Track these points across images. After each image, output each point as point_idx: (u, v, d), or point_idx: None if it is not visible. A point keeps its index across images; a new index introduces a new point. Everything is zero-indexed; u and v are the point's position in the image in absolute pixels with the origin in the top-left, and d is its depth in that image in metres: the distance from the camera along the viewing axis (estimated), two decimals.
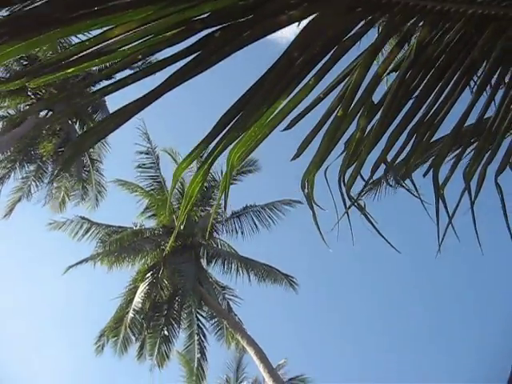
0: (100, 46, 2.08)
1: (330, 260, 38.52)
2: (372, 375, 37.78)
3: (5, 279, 38.40)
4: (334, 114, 2.64)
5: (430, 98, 2.74)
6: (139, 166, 22.99)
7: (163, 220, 23.00)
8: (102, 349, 21.40)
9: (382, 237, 2.89)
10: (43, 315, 40.30)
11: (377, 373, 37.17)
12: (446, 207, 3.18)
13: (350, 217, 2.88)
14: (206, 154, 2.52)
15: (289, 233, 33.05)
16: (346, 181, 2.89)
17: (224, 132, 2.43)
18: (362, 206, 2.90)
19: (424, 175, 3.20)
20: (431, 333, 37.48)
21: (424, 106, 2.77)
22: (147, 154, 22.78)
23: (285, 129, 2.68)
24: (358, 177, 2.93)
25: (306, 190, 2.83)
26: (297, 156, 2.77)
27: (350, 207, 2.86)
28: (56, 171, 22.75)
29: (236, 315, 22.23)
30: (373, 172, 2.94)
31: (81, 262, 20.85)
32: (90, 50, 2.09)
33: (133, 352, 21.62)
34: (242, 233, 22.63)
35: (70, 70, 2.13)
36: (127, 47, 2.12)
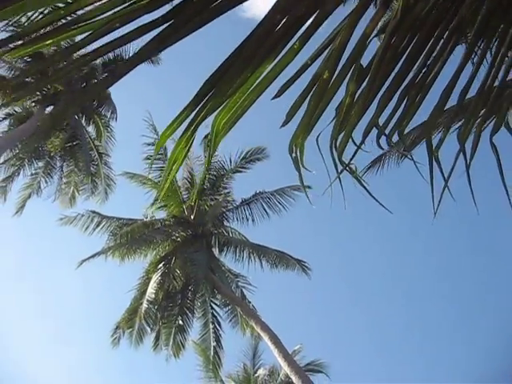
0: (76, 15, 2.04)
1: (343, 243, 38.56)
2: (387, 357, 37.91)
3: (18, 277, 38.61)
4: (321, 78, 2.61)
5: (420, 59, 2.70)
6: (147, 158, 22.97)
7: (173, 210, 23.02)
8: (119, 341, 21.49)
9: (374, 199, 2.92)
10: (59, 312, 40.59)
11: (392, 355, 37.28)
12: (441, 170, 3.15)
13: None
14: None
15: (300, 218, 33.10)
16: (337, 146, 2.90)
17: (207, 98, 2.41)
18: (354, 169, 2.91)
19: (419, 140, 3.17)
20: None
21: (414, 68, 2.74)
22: (154, 145, 22.73)
23: (274, 97, 2.67)
24: (350, 142, 2.93)
25: (293, 154, 2.84)
26: (286, 123, 2.77)
27: (341, 171, 2.88)
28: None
29: (250, 302, 22.25)
30: (364, 136, 2.95)
31: (93, 256, 20.91)
32: (67, 19, 2.04)
33: (148, 343, 21.74)
34: (253, 220, 22.61)
35: (48, 42, 2.09)
36: (104, 15, 2.08)
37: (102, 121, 25.19)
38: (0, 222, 34.65)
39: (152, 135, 22.11)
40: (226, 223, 23.17)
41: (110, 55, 24.28)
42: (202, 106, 2.42)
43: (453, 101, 3.22)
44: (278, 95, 2.67)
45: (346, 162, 2.93)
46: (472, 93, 3.03)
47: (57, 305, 40.97)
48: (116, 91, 23.80)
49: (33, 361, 35.60)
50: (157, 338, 21.84)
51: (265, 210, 22.46)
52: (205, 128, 2.54)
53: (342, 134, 2.87)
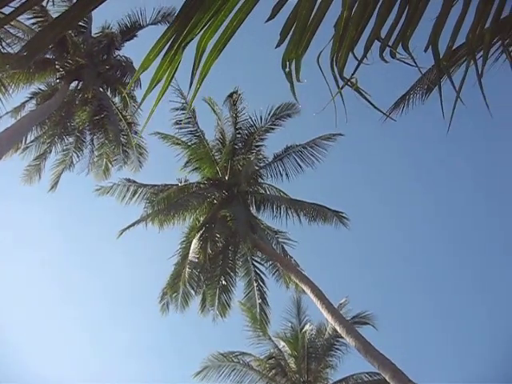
0: None
1: (380, 188, 38.22)
2: (429, 306, 37.75)
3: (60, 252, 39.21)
4: None
5: None
6: (176, 123, 22.90)
7: (207, 173, 22.97)
8: (168, 307, 21.64)
9: (377, 108, 2.96)
10: (106, 284, 41.15)
11: (435, 302, 37.09)
12: (451, 81, 3.12)
13: None
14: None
15: (335, 167, 32.87)
16: (338, 62, 2.92)
17: (191, 17, 2.31)
18: (355, 82, 2.92)
19: (425, 50, 3.12)
20: None
21: None
22: (183, 109, 22.64)
23: (268, 19, 2.65)
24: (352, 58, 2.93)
25: (286, 69, 2.84)
26: (280, 42, 2.76)
27: (343, 86, 2.91)
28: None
29: (292, 257, 22.22)
30: (366, 50, 2.92)
31: (133, 225, 20.95)
32: None
33: (194, 306, 21.92)
34: (287, 174, 22.47)
35: None
36: None
37: (128, 85, 25.07)
38: (37, 199, 35.09)
39: (179, 100, 22.03)
40: (260, 180, 23.05)
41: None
42: (186, 25, 2.32)
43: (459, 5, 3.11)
44: (271, 17, 2.63)
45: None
46: None
47: (103, 277, 41.23)
48: (138, 57, 23.73)
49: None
50: (203, 301, 22.02)
51: (298, 163, 22.33)
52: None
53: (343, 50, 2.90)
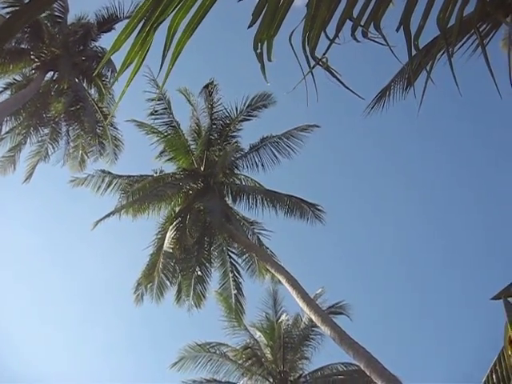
0: None
1: (356, 180, 38.41)
2: (409, 298, 38.09)
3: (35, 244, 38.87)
4: None
5: None
6: (151, 114, 22.81)
7: (183, 163, 22.94)
8: (142, 298, 21.62)
9: (348, 89, 2.97)
10: (79, 282, 40.90)
11: (414, 295, 37.44)
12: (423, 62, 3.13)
13: None
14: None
15: (311, 159, 32.94)
16: (309, 42, 2.92)
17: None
18: (325, 61, 2.96)
19: (397, 30, 3.15)
20: None
21: None
22: (158, 99, 22.58)
23: None
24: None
25: (258, 51, 2.85)
26: (252, 23, 2.76)
27: (314, 66, 2.94)
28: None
29: (267, 248, 22.29)
30: (338, 29, 2.99)
31: (108, 216, 20.85)
32: None
33: (170, 297, 21.95)
34: (263, 165, 22.50)
35: None
36: None
37: (103, 82, 24.96)
38: (11, 191, 34.75)
39: (154, 90, 21.95)
40: (236, 171, 23.09)
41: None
42: (158, 5, 2.31)
43: None
44: None
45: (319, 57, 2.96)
46: None
47: (79, 268, 40.97)
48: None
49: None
50: (179, 291, 22.05)
51: (274, 154, 22.40)
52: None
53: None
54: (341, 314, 24.97)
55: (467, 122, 32.31)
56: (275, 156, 22.40)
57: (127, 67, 2.45)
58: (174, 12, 2.37)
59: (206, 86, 22.50)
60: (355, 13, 2.97)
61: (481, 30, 4.48)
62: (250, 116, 22.91)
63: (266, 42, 2.85)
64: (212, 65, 34.51)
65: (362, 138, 36.03)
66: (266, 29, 2.77)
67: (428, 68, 3.29)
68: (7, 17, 2.28)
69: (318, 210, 22.04)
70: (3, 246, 37.88)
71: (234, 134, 23.15)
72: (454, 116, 31.33)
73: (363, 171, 39.15)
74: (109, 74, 24.75)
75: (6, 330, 30.47)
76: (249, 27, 2.79)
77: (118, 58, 2.46)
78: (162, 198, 21.75)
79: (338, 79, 3.00)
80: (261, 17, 2.73)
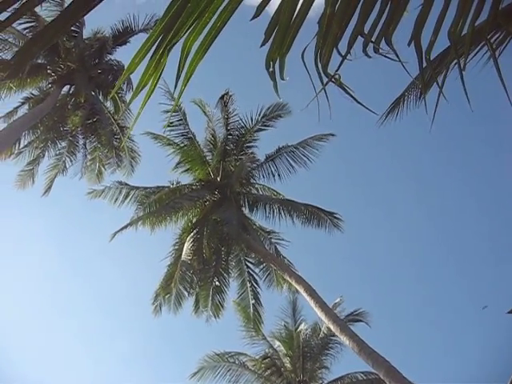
0: None
1: (374, 191, 38.34)
2: (423, 305, 37.85)
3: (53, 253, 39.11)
4: None
5: None
6: (168, 125, 22.94)
7: (199, 174, 23.03)
8: (160, 308, 21.66)
9: (361, 104, 2.99)
10: (99, 292, 41.07)
11: (429, 301, 37.21)
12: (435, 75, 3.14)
13: None
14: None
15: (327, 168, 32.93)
16: (322, 59, 2.94)
17: (176, 20, 2.34)
18: (338, 78, 2.96)
19: (408, 44, 3.17)
20: None
21: None
22: (174, 112, 22.68)
23: (253, 18, 2.69)
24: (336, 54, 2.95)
25: (270, 69, 2.87)
26: (265, 41, 2.78)
27: (327, 83, 2.94)
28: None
29: (285, 258, 22.28)
30: (350, 46, 3.01)
31: (125, 227, 20.96)
32: None
33: (188, 308, 22.00)
34: (279, 175, 22.56)
35: None
36: None
37: (119, 94, 25.16)
38: (29, 204, 35.02)
39: (169, 102, 22.07)
40: (252, 181, 23.12)
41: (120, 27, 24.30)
42: (170, 28, 2.35)
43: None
44: (256, 15, 2.67)
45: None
46: None
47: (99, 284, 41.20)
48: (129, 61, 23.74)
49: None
50: (197, 302, 22.09)
51: (290, 163, 22.44)
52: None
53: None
54: (359, 321, 24.89)
55: (479, 128, 32.14)
56: (291, 165, 22.47)
57: (142, 89, 2.48)
58: (186, 34, 2.41)
59: (222, 97, 22.61)
60: (366, 29, 2.99)
61: (493, 39, 4.49)
62: (265, 126, 22.98)
63: (278, 61, 2.87)
64: (226, 75, 34.61)
65: (374, 146, 35.97)
66: (278, 48, 2.80)
67: (440, 83, 3.30)
68: (27, 41, 2.34)
69: (336, 218, 22.03)
70: (25, 257, 38.01)
71: (250, 144, 23.22)
72: (465, 123, 31.16)
73: (378, 178, 39.06)
74: (124, 86, 24.98)
75: (27, 340, 30.72)
76: (261, 46, 2.80)
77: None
78: (179, 209, 21.80)
79: (352, 96, 3.01)
80: (273, 36, 2.76)
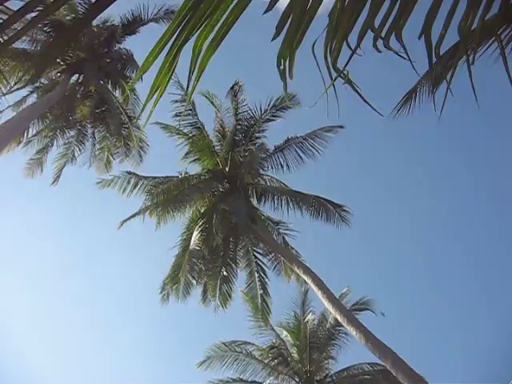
0: None
1: (384, 183, 38.23)
2: (434, 291, 37.83)
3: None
4: None
5: None
6: (176, 115, 22.96)
7: (208, 164, 23.06)
8: (168, 297, 21.76)
9: (367, 103, 2.99)
10: (110, 282, 41.21)
11: (438, 295, 37.17)
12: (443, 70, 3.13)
13: None
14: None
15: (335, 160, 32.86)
16: (331, 53, 2.95)
17: (187, 19, 2.36)
18: (346, 74, 2.97)
19: (419, 38, 3.15)
20: None
21: None
22: (183, 101, 22.67)
23: (265, 11, 2.69)
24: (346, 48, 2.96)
25: (281, 67, 2.89)
26: (276, 36, 2.78)
27: (336, 78, 2.95)
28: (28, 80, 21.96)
29: (293, 248, 22.30)
30: (359, 40, 2.98)
31: (133, 216, 21.06)
32: None
33: (196, 297, 22.10)
34: (288, 166, 22.52)
35: None
36: None
37: (128, 83, 25.10)
38: (39, 192, 35.12)
39: (179, 92, 22.06)
40: (261, 172, 23.10)
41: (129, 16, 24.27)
42: (183, 28, 2.36)
43: None
44: (268, 9, 2.67)
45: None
46: None
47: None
48: (138, 51, 23.81)
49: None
50: (204, 291, 22.18)
51: (299, 155, 22.40)
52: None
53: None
54: (366, 309, 24.86)
55: (488, 127, 31.98)
56: (300, 157, 22.44)
57: (155, 91, 2.51)
58: (198, 32, 2.42)
59: (232, 87, 22.59)
60: (376, 23, 2.97)
61: (504, 35, 4.46)
62: (274, 116, 22.91)
63: (288, 59, 2.87)
64: (235, 65, 34.47)
65: (384, 140, 35.84)
66: (289, 46, 2.80)
67: (448, 78, 3.28)
68: (45, 46, 2.37)
69: (345, 210, 21.91)
70: (32, 247, 38.19)
71: (259, 134, 23.19)
72: (476, 121, 31.01)
73: (388, 170, 38.95)
74: (133, 75, 24.95)
75: (34, 331, 30.91)
76: (272, 40, 2.80)
77: (140, 58, 2.53)
78: (188, 199, 21.76)
79: (359, 93, 3.00)
80: (283, 33, 2.75)
